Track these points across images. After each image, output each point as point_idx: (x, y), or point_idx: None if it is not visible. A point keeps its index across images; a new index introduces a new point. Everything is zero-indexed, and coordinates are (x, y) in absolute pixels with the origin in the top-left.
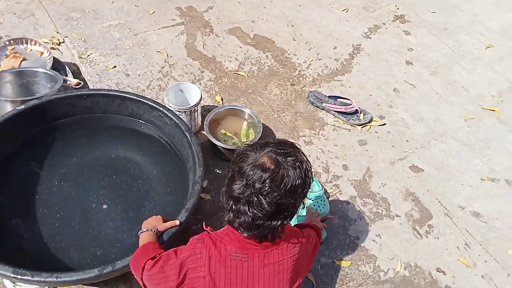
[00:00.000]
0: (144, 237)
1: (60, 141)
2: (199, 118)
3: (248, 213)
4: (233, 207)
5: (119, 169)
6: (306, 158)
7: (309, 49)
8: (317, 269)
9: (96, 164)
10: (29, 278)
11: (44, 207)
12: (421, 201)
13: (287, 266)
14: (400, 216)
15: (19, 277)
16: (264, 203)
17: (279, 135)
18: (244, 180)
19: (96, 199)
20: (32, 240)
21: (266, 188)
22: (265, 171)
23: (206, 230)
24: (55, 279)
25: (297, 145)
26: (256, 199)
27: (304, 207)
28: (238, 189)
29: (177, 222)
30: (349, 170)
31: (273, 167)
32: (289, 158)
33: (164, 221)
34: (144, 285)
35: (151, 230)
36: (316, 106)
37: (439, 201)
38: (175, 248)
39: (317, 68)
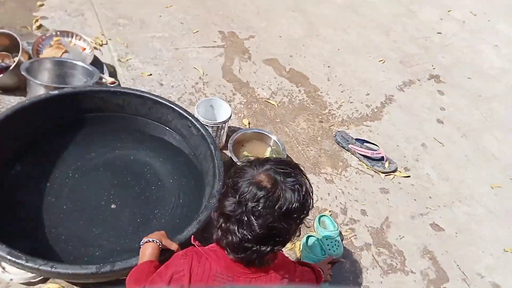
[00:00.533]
0: (146, 250)
1: (84, 134)
2: (224, 137)
3: (237, 233)
4: (223, 225)
5: (135, 172)
6: (309, 182)
7: (342, 91)
8: None
9: (113, 163)
10: (23, 262)
11: (53, 196)
12: (439, 261)
13: None
14: (415, 273)
15: (13, 259)
16: (255, 224)
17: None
18: (237, 197)
19: (106, 198)
20: (32, 226)
21: (259, 208)
22: (260, 189)
23: (193, 244)
24: (49, 269)
25: (301, 167)
26: (246, 219)
27: (325, 254)
28: (230, 206)
29: (177, 247)
30: (367, 216)
31: (269, 186)
32: (289, 179)
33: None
34: None
35: (155, 241)
36: (342, 147)
37: (458, 265)
38: (160, 269)
39: (348, 110)
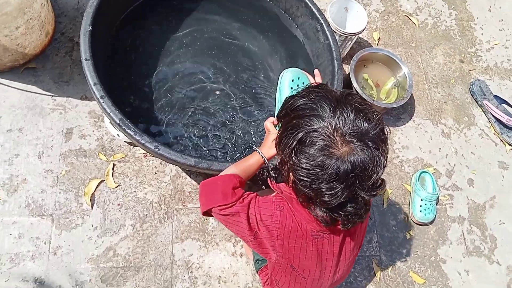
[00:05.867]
0: (251, 159)
1: (207, 7)
2: (347, 50)
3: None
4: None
5: (247, 62)
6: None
7: (500, 29)
8: (387, 269)
9: (228, 46)
10: (131, 133)
11: (164, 65)
12: None
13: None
14: (500, 265)
15: (123, 127)
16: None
17: (419, 109)
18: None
19: (213, 81)
20: (146, 96)
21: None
22: (352, 168)
23: (281, 197)
24: (153, 148)
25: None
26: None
27: (437, 192)
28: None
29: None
30: (473, 187)
31: (358, 163)
32: (375, 148)
33: None
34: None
35: (263, 158)
36: (475, 99)
37: None
38: (249, 202)
39: (498, 56)
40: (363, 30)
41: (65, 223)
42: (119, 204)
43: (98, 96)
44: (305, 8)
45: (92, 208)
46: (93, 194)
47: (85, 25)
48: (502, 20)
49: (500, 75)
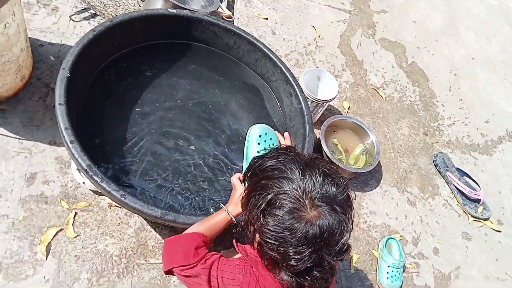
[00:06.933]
0: (217, 216)
1: (185, 62)
2: (319, 116)
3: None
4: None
5: (222, 122)
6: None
7: (459, 108)
8: None
9: (205, 104)
10: (98, 181)
11: (137, 122)
12: None
13: None
14: None
15: (90, 173)
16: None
17: (386, 176)
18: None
19: (186, 139)
20: (114, 152)
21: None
22: (320, 232)
23: (246, 260)
24: (119, 197)
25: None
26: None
27: (403, 259)
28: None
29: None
30: (438, 256)
31: (326, 227)
32: (342, 213)
33: None
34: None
35: (230, 215)
36: (438, 170)
37: None
38: (211, 263)
39: (459, 132)
40: (334, 98)
41: (14, 273)
42: (76, 256)
43: (68, 141)
44: (280, 74)
45: (46, 258)
46: (49, 243)
47: (63, 72)
48: (461, 99)
49: (461, 149)
